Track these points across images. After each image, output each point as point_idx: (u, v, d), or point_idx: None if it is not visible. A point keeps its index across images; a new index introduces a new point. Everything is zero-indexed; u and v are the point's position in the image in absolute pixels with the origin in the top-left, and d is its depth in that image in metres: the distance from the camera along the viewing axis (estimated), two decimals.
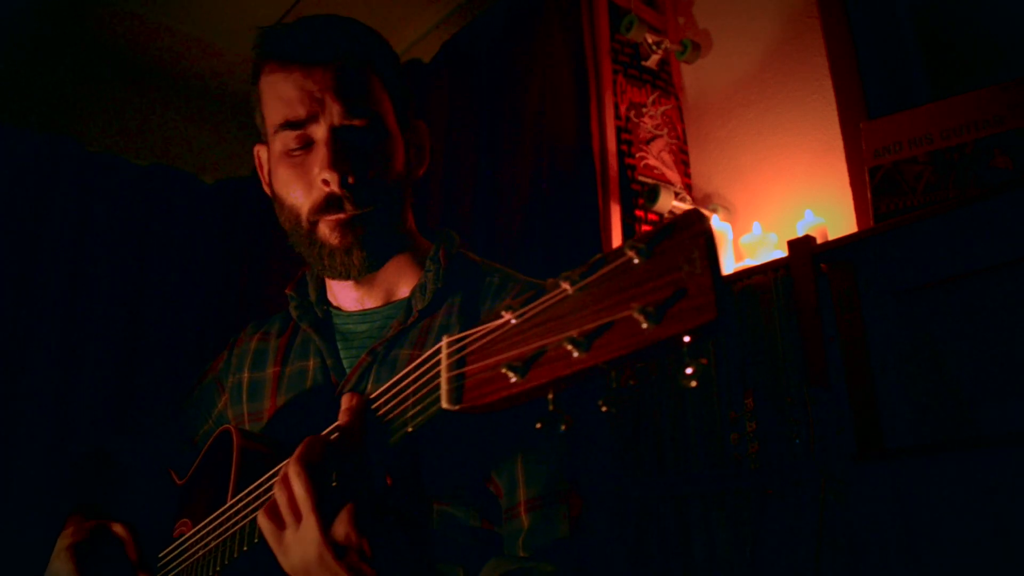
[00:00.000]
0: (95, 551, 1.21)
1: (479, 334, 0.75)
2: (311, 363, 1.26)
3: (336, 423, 0.91)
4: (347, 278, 1.20)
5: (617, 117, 2.47)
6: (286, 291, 1.34)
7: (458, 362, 0.77)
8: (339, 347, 1.26)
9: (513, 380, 0.69)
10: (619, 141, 2.45)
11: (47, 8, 3.28)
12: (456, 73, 2.88)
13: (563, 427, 0.68)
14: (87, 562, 1.20)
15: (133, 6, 3.33)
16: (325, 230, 1.15)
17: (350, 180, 1.12)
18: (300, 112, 1.13)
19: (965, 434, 1.73)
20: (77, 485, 1.42)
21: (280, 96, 1.14)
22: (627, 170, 2.42)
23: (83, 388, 2.87)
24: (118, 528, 1.23)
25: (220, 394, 1.41)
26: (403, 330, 1.19)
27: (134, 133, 3.90)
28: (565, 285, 0.67)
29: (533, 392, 0.69)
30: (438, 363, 0.79)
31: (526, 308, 0.71)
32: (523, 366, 0.69)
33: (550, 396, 0.68)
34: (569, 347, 0.65)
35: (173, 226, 3.23)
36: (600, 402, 0.66)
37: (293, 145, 1.15)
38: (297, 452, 0.87)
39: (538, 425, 0.68)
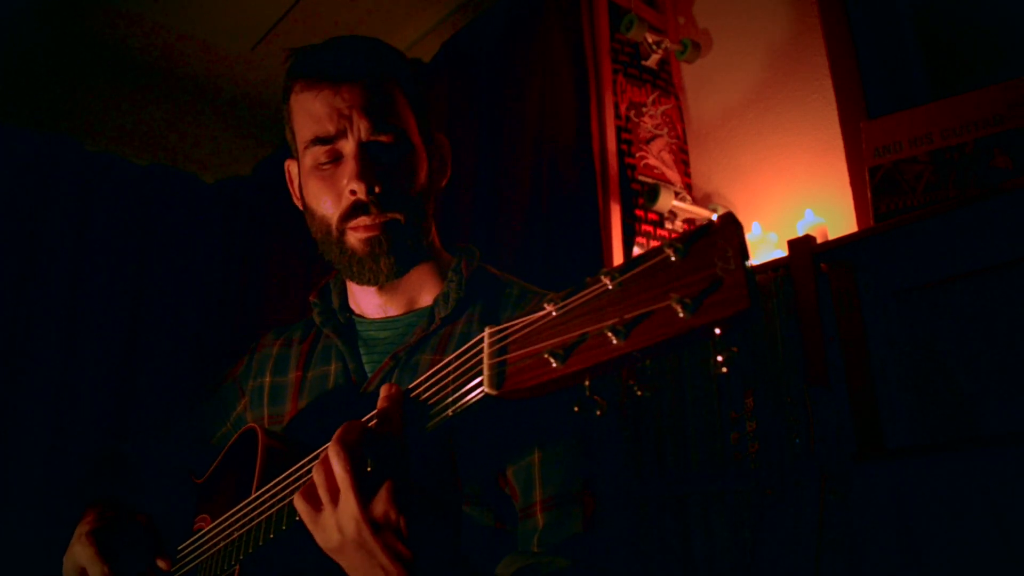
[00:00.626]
0: (115, 537, 1.23)
1: (521, 325, 0.79)
2: (333, 367, 1.29)
3: (375, 411, 0.94)
4: (375, 284, 1.24)
5: (617, 117, 2.47)
6: (310, 298, 1.38)
7: (500, 350, 0.80)
8: (361, 352, 1.29)
9: (554, 365, 0.73)
10: (619, 141, 2.45)
11: (47, 8, 3.28)
12: (456, 73, 2.88)
13: (598, 412, 0.72)
14: (107, 547, 1.22)
15: (133, 6, 3.33)
16: (353, 238, 1.20)
17: (376, 190, 1.17)
18: (329, 128, 1.18)
19: (965, 434, 1.73)
20: (92, 483, 1.44)
21: (310, 113, 1.20)
22: (627, 170, 2.42)
23: (83, 388, 2.88)
24: (137, 518, 1.26)
25: (240, 398, 1.44)
26: (425, 336, 1.23)
27: (134, 133, 3.91)
28: (606, 280, 0.72)
29: (572, 377, 0.73)
30: (481, 351, 0.83)
31: (567, 301, 0.75)
32: (564, 352, 0.73)
33: (587, 383, 0.73)
34: (609, 334, 0.69)
35: (173, 226, 3.24)
36: (635, 387, 0.70)
37: (323, 160, 1.20)
38: (337, 434, 0.89)
39: (576, 408, 0.73)
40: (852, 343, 1.88)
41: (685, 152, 2.59)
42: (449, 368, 0.88)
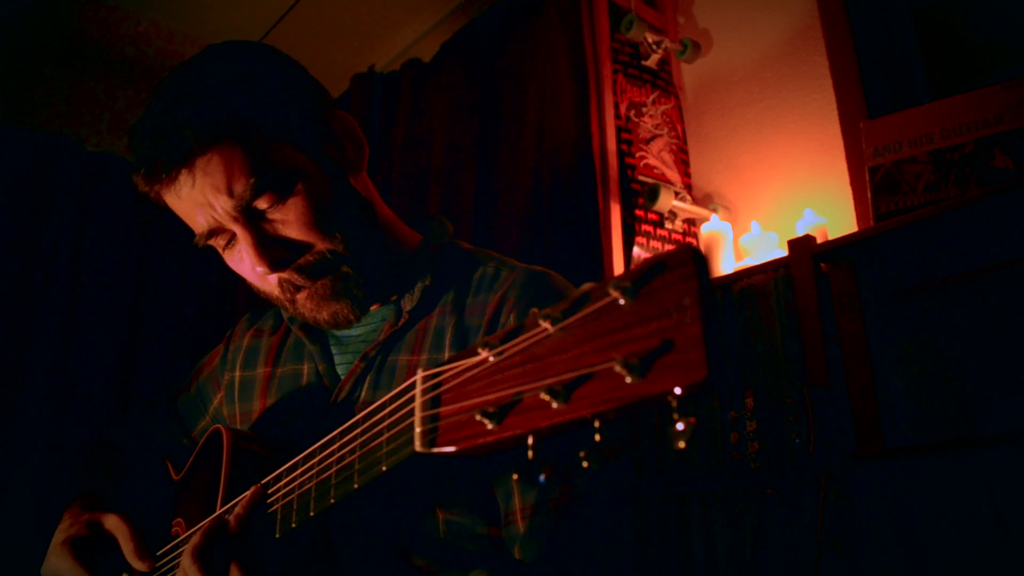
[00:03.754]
0: (93, 543, 1.20)
1: (455, 370, 0.71)
2: (305, 367, 1.23)
3: (229, 511, 0.95)
4: (350, 326, 1.17)
5: (617, 117, 2.47)
6: None
7: (433, 400, 0.72)
8: (333, 352, 1.23)
9: (489, 428, 0.64)
10: (619, 141, 2.45)
11: (47, 8, 3.28)
12: (456, 73, 2.88)
13: (543, 476, 0.62)
14: (85, 553, 1.19)
15: (133, 6, 3.33)
16: (302, 302, 1.13)
17: (286, 260, 1.08)
18: (202, 224, 1.08)
19: (965, 433, 1.72)
20: (83, 475, 1.42)
21: (178, 211, 1.11)
22: (627, 170, 2.42)
23: (83, 387, 2.88)
24: (111, 520, 1.21)
25: (216, 391, 1.41)
26: (396, 333, 1.16)
27: None
28: (545, 324, 0.62)
29: (509, 442, 0.64)
30: (412, 399, 0.76)
31: (504, 346, 0.66)
32: (498, 413, 0.64)
33: (530, 443, 0.63)
34: (546, 397, 0.60)
35: (172, 226, 3.23)
36: (582, 454, 0.59)
37: (222, 244, 1.11)
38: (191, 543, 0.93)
39: (515, 476, 0.63)
40: (852, 343, 1.87)
41: (685, 152, 2.59)
42: (382, 414, 0.82)
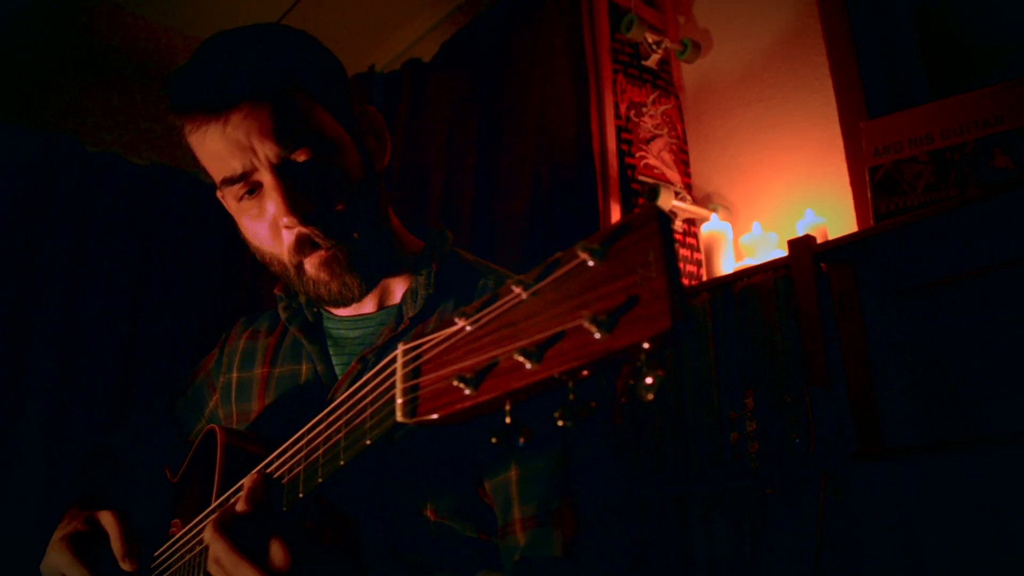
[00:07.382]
0: (92, 539, 1.20)
1: (434, 341, 0.72)
2: (303, 368, 1.23)
3: (240, 492, 0.96)
4: (353, 301, 1.17)
5: (617, 117, 2.47)
6: (275, 291, 1.32)
7: (414, 371, 0.74)
8: (331, 352, 1.23)
9: (466, 393, 0.66)
10: (619, 141, 2.45)
11: (47, 8, 3.28)
12: (456, 73, 2.88)
13: (521, 440, 0.64)
14: (84, 550, 1.19)
15: (133, 6, 3.33)
16: (311, 269, 1.12)
17: (312, 214, 1.08)
18: (235, 167, 1.07)
19: (965, 434, 1.73)
20: (81, 479, 1.42)
21: (209, 152, 1.09)
22: (627, 170, 2.42)
23: (83, 388, 2.88)
24: (106, 517, 1.21)
25: (211, 394, 1.40)
26: (393, 338, 1.16)
27: (134, 133, 3.91)
28: (518, 290, 0.64)
29: (487, 406, 0.66)
30: (394, 372, 0.77)
31: (480, 314, 0.68)
32: (475, 378, 0.66)
33: (507, 407, 0.65)
34: (520, 358, 0.62)
35: (173, 226, 3.24)
36: (556, 414, 0.61)
37: (242, 194, 1.10)
38: (212, 520, 0.93)
39: (493, 440, 0.65)
40: (852, 343, 1.87)
41: (685, 152, 2.59)
42: (366, 390, 0.83)
